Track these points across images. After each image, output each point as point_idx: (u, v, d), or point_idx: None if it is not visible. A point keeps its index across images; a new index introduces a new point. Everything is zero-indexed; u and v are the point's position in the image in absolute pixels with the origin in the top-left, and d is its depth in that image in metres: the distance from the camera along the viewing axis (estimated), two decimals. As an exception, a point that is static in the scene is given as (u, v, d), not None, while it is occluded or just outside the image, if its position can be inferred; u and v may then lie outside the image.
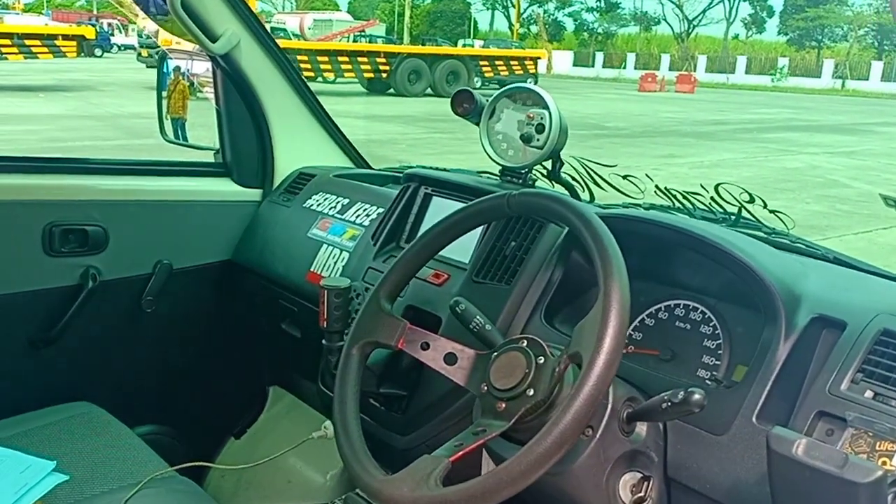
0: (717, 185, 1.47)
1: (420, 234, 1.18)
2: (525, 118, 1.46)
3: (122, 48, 37.36)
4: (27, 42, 16.65)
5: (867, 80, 36.92)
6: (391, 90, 20.90)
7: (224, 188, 2.04)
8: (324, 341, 1.29)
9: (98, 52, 28.40)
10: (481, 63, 21.94)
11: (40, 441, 1.54)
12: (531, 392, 0.99)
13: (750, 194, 1.43)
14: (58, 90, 17.74)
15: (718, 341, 1.18)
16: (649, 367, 1.19)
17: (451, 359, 1.08)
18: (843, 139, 15.19)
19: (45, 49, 17.01)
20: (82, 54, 18.04)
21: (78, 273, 1.78)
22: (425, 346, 1.09)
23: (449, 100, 1.54)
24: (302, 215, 1.87)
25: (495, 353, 1.05)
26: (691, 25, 54.65)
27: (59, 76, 20.19)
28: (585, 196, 1.64)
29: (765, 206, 1.42)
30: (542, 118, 1.45)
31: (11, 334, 1.74)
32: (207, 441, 2.14)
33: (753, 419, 1.01)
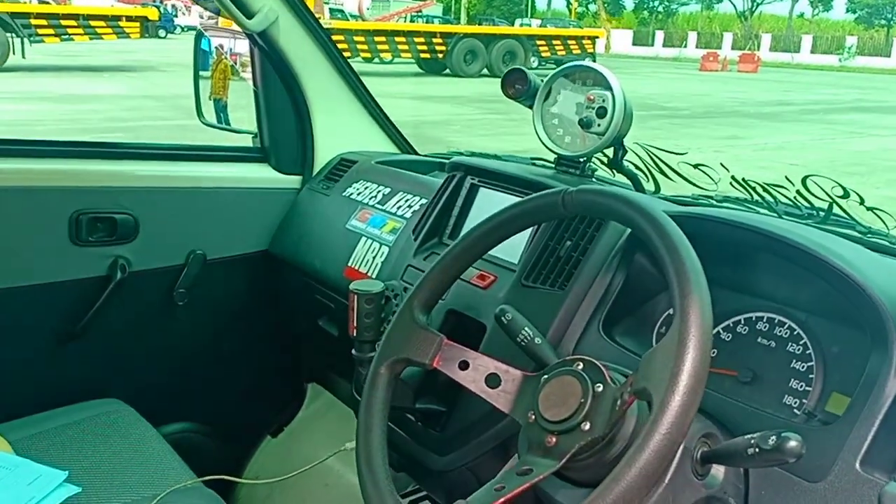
0: (805, 177, 1.28)
1: (462, 233, 1.03)
2: (584, 100, 1.29)
3: (185, 29, 37.85)
4: (92, 23, 16.90)
5: (944, 58, 35.19)
6: (447, 71, 20.68)
7: (261, 174, 1.93)
8: (354, 351, 1.16)
9: (161, 33, 28.79)
10: (538, 43, 21.52)
11: (59, 443, 1.45)
12: (587, 426, 0.84)
13: (843, 188, 1.24)
14: (122, 70, 18.06)
15: (810, 363, 1.01)
16: (725, 391, 1.03)
17: (493, 381, 0.94)
18: (920, 121, 14.46)
19: (110, 30, 17.25)
20: (146, 35, 18.25)
21: (106, 264, 1.69)
22: (464, 366, 0.95)
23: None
24: (341, 205, 1.74)
25: (545, 377, 0.90)
26: (755, 3, 52.81)
27: (123, 57, 20.55)
28: (650, 186, 1.47)
29: (861, 203, 1.23)
30: (603, 100, 1.28)
31: (36, 327, 1.66)
32: (243, 439, 2.04)
33: (857, 465, 0.84)
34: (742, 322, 1.09)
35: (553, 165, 1.39)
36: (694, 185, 1.46)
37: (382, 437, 0.93)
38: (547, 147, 1.35)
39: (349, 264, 1.59)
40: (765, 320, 1.07)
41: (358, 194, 1.73)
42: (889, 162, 9.72)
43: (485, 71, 20.22)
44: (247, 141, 2.03)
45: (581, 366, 0.89)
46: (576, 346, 1.13)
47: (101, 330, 1.71)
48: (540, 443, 0.87)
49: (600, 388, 0.85)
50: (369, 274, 1.53)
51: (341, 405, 1.95)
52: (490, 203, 1.38)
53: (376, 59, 19.81)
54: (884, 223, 1.21)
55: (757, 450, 0.78)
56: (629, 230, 1.17)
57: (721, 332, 1.10)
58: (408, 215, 1.56)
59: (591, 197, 0.92)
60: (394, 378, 0.98)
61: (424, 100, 14.49)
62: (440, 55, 20.15)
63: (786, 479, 0.88)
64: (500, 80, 1.41)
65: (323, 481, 1.91)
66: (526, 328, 1.02)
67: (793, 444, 0.76)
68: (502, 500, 0.80)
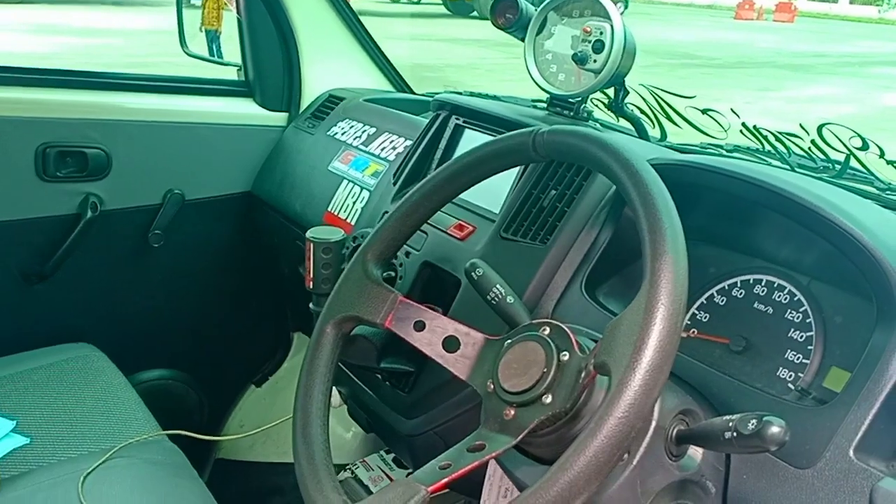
0: (821, 125, 1.15)
1: (420, 182, 0.92)
2: (580, 33, 1.16)
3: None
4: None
5: None
6: (475, 13, 20.19)
7: (245, 110, 1.82)
8: (311, 305, 1.06)
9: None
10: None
11: (20, 389, 1.39)
12: (548, 399, 0.74)
13: (862, 139, 1.11)
14: (146, 4, 17.83)
15: (809, 333, 0.90)
16: (714, 361, 0.93)
17: (451, 344, 0.84)
18: (961, 75, 13.91)
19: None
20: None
21: (76, 201, 1.60)
22: (420, 326, 0.85)
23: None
24: (325, 145, 1.64)
25: (508, 342, 0.81)
26: (797, -51, 50.86)
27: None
28: (655, 133, 1.35)
29: (881, 155, 1.10)
30: (601, 33, 1.15)
31: (1, 267, 1.58)
32: (226, 389, 1.98)
33: (851, 452, 0.74)
34: (738, 285, 0.98)
35: (546, 106, 1.27)
36: (702, 132, 1.34)
37: (323, 406, 0.84)
38: (539, 85, 1.23)
39: (329, 209, 1.49)
40: (763, 283, 0.96)
41: (342, 134, 1.62)
42: (924, 117, 9.35)
43: (512, 14, 19.67)
44: (232, 74, 1.92)
45: (547, 330, 0.79)
46: (555, 306, 1.03)
47: (72, 271, 1.63)
48: (497, 415, 0.77)
49: (566, 357, 0.76)
50: (348, 220, 1.43)
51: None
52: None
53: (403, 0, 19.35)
54: (907, 179, 1.09)
55: (735, 434, 0.68)
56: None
57: (715, 294, 1.00)
58: (391, 158, 1.45)
59: (563, 138, 0.80)
60: (341, 338, 0.88)
61: (450, 42, 14.16)
62: (467, -3, 19.65)
63: (770, 464, 0.78)
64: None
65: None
66: (497, 286, 0.92)
67: (775, 430, 0.65)
68: (446, 480, 0.71)
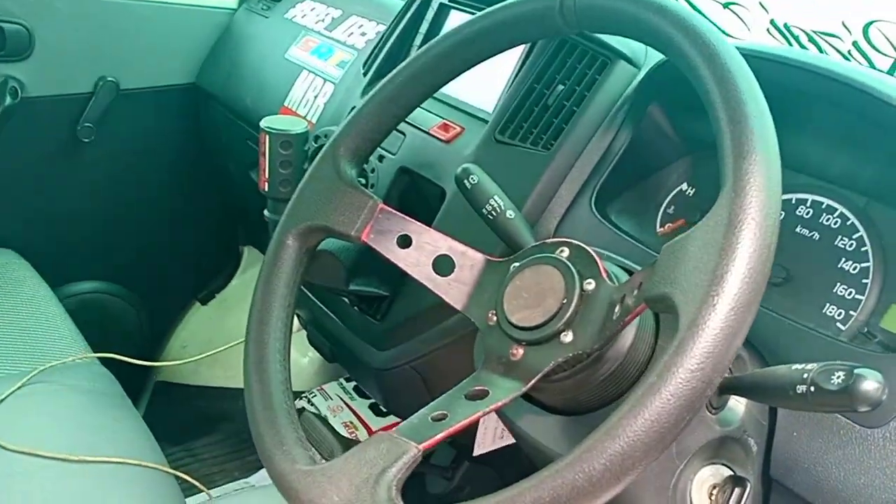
0: (869, 23, 0.99)
1: (409, 58, 0.73)
2: None
3: None
4: None
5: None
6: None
7: (191, -12, 1.57)
8: (266, 212, 0.88)
9: None
10: None
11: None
12: (568, 337, 0.59)
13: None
14: None
15: (865, 264, 0.76)
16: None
17: (444, 265, 0.68)
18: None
19: None
20: None
21: None
22: (405, 242, 0.68)
23: None
24: (281, 29, 1.42)
25: (516, 265, 0.65)
26: None
27: None
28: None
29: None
30: None
31: None
32: (166, 305, 1.79)
33: (933, 411, 0.61)
34: (778, 205, 0.83)
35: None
36: (718, 29, 1.16)
37: (283, 337, 0.67)
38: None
39: (285, 104, 1.29)
40: (808, 204, 0.81)
41: (302, 17, 1.40)
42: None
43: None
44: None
45: (566, 252, 0.63)
46: (558, 224, 0.87)
47: (-12, 166, 1.41)
48: (501, 355, 0.62)
49: (591, 287, 0.60)
50: (308, 117, 1.23)
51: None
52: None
53: None
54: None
55: (812, 388, 0.53)
56: (641, 75, 0.89)
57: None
58: (360, 45, 1.25)
59: (604, 1, 0.62)
60: (305, 253, 0.71)
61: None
62: None
63: (829, 420, 0.65)
64: None
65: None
66: (496, 197, 0.75)
67: (869, 386, 0.50)
68: (442, 435, 0.55)
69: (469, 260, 0.67)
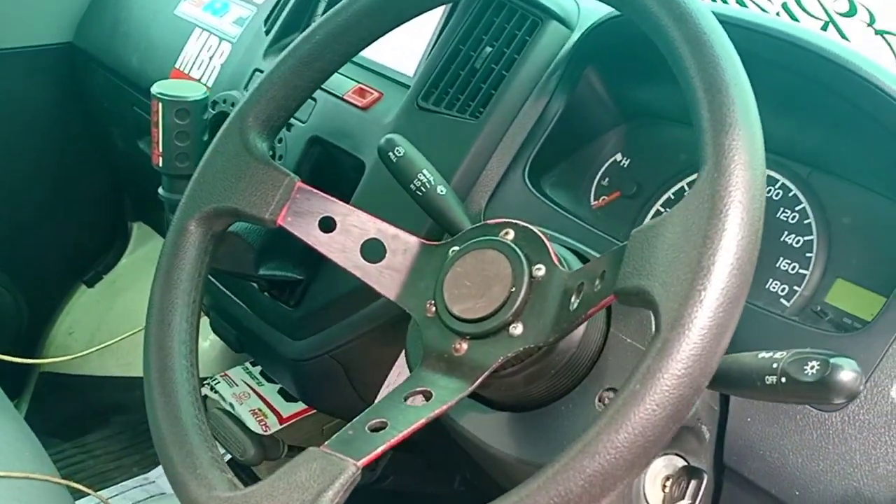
0: (800, -15, 0.96)
1: (327, 14, 0.64)
2: None
3: None
4: None
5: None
6: None
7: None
8: (161, 191, 0.77)
9: None
10: None
11: None
12: (517, 329, 0.53)
13: (850, 1, 0.93)
14: None
15: (808, 237, 0.73)
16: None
17: (373, 250, 0.60)
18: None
19: None
20: None
21: None
22: (328, 225, 0.60)
23: None
24: (169, -17, 1.28)
25: (455, 249, 0.58)
26: None
27: None
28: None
29: (870, 22, 0.93)
30: None
31: None
32: (48, 289, 1.63)
33: (894, 392, 0.58)
34: (718, 176, 0.79)
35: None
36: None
37: (189, 339, 0.58)
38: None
39: (177, 66, 1.16)
40: (752, 175, 0.77)
41: (193, -30, 1.26)
42: None
43: None
44: None
45: (512, 234, 0.57)
46: (489, 199, 0.80)
47: None
48: (443, 350, 0.55)
49: (541, 273, 0.54)
50: (203, 81, 1.11)
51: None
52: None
53: None
54: (894, 53, 0.92)
55: (784, 380, 0.48)
56: (575, 37, 0.83)
57: (686, 187, 0.80)
58: (259, 1, 1.13)
59: None
60: (211, 240, 0.61)
61: None
62: None
63: (785, 404, 0.62)
64: None
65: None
66: (425, 171, 0.68)
67: (846, 377, 0.46)
68: (382, 448, 0.48)
69: (402, 244, 0.60)
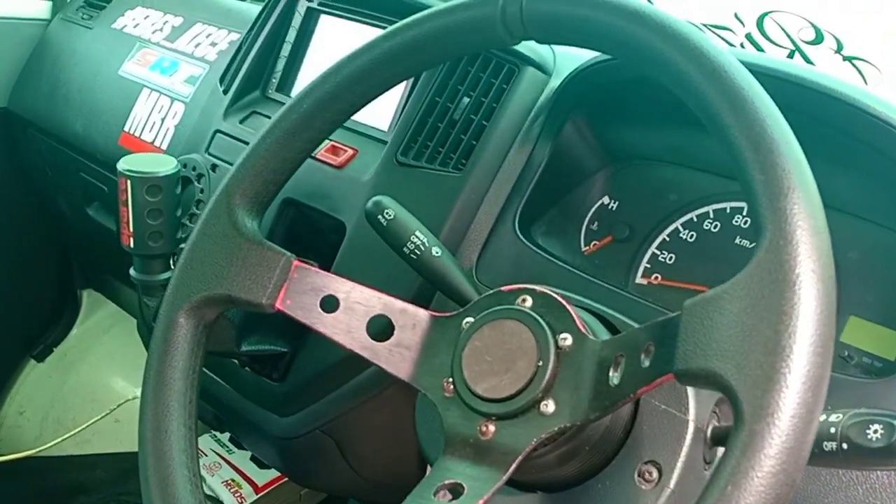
0: (763, 14, 0.96)
1: (314, 80, 0.60)
2: None
3: None
4: None
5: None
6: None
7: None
8: (133, 272, 0.72)
9: None
10: None
11: None
12: (549, 406, 0.50)
13: (816, 29, 0.93)
14: None
15: None
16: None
17: (380, 327, 0.56)
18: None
19: None
20: None
21: None
22: (331, 305, 0.56)
23: None
24: (111, 42, 1.22)
25: (469, 321, 0.54)
26: None
27: None
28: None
29: (838, 49, 0.93)
30: None
31: None
32: (-6, 365, 1.53)
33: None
34: (711, 216, 0.77)
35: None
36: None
37: (188, 445, 0.53)
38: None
39: (126, 129, 1.11)
40: (745, 212, 0.76)
41: (135, 26, 1.21)
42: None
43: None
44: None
45: (530, 301, 0.54)
46: (481, 252, 0.77)
47: None
48: (468, 435, 0.51)
49: (568, 343, 0.51)
50: (157, 144, 1.06)
51: (129, 317, 1.49)
52: (339, 38, 0.95)
53: None
54: (863, 79, 0.92)
55: (845, 446, 0.46)
56: (554, 83, 0.81)
57: (680, 229, 0.78)
58: (211, 57, 1.08)
59: (561, 6, 0.52)
60: (203, 331, 0.57)
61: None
62: None
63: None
64: None
65: (112, 415, 1.46)
66: (418, 233, 0.65)
67: None
68: None
69: (410, 319, 0.56)
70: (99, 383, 1.46)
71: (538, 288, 0.54)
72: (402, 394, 0.62)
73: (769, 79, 0.64)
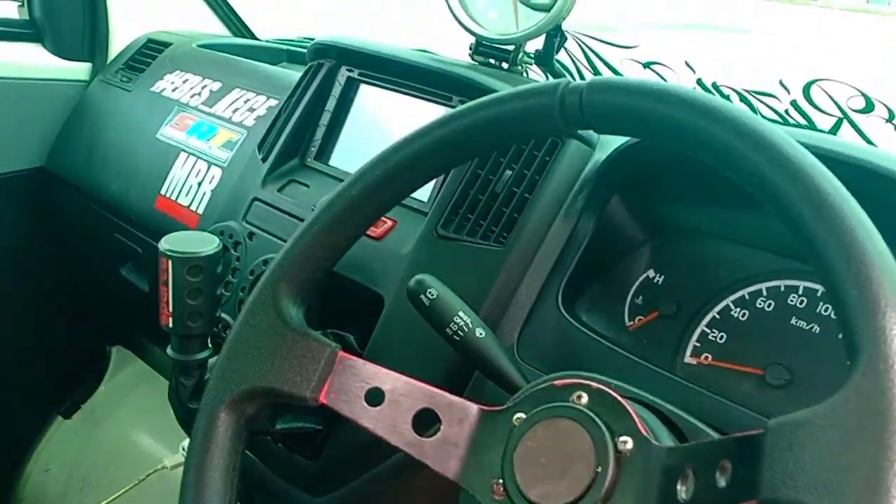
0: (810, 82, 0.94)
1: (365, 165, 0.59)
2: (526, -45, 0.87)
3: None
4: None
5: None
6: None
7: (32, 59, 1.35)
8: (170, 351, 0.70)
9: None
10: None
11: None
12: None
13: (867, 98, 0.91)
14: None
15: None
16: (745, 398, 0.68)
17: (425, 421, 0.54)
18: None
19: None
20: None
21: None
22: (375, 397, 0.54)
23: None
24: (149, 104, 1.23)
25: (520, 417, 0.52)
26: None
27: None
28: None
29: (889, 119, 0.91)
30: (552, -44, 0.86)
31: None
32: (22, 423, 1.52)
33: None
34: (764, 294, 0.74)
35: (472, 55, 0.96)
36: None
37: None
38: (464, 26, 0.92)
39: (162, 192, 1.10)
40: (801, 291, 0.73)
41: (174, 90, 1.21)
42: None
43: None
44: (11, 11, 1.44)
45: (585, 398, 0.51)
46: (522, 329, 0.75)
47: None
48: None
49: (629, 447, 0.48)
50: (193, 208, 1.05)
51: (156, 375, 1.48)
52: (379, 108, 0.94)
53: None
54: (915, 148, 0.90)
55: None
56: (599, 157, 0.79)
57: (731, 306, 0.76)
58: (249, 123, 1.08)
59: (623, 98, 0.50)
60: (244, 425, 0.55)
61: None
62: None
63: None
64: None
65: (135, 470, 1.44)
66: (461, 313, 0.63)
67: None
68: None
69: (458, 413, 0.53)
70: (125, 441, 1.45)
71: (594, 384, 0.51)
72: (440, 477, 0.59)
73: (845, 166, 0.62)
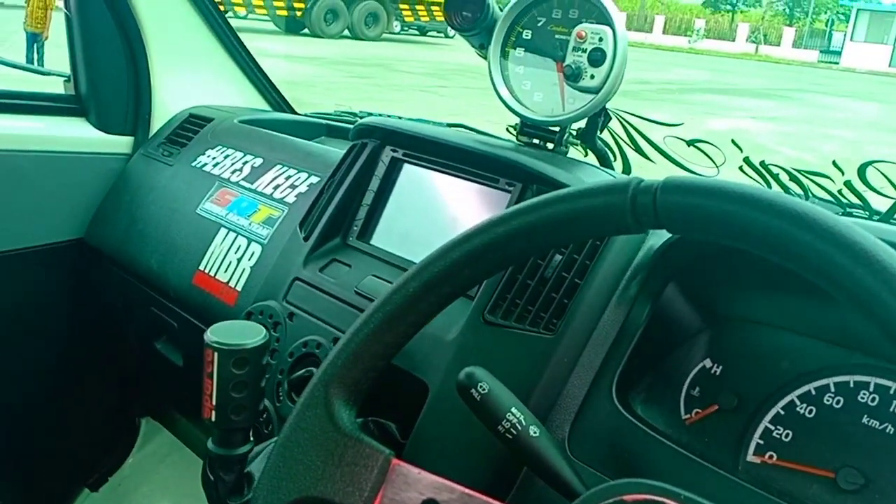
0: (865, 163, 0.92)
1: (422, 261, 0.57)
2: (574, 38, 0.86)
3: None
4: None
5: (779, 45, 37.40)
6: (306, 30, 19.66)
7: (76, 133, 1.38)
8: (211, 444, 0.68)
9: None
10: (401, 6, 20.85)
11: None
12: None
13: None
14: None
15: None
16: (812, 502, 0.65)
17: (484, 534, 0.50)
18: (764, 104, 15.02)
19: None
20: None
21: None
22: (431, 509, 0.51)
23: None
24: (190, 179, 1.23)
25: None
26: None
27: None
28: (618, 166, 1.08)
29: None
30: (599, 39, 0.85)
31: None
32: (49, 496, 1.49)
33: None
34: (832, 389, 0.71)
35: (515, 136, 0.95)
36: (682, 167, 1.08)
37: None
38: (510, 108, 0.91)
39: (201, 268, 1.10)
40: (872, 388, 0.69)
41: (214, 165, 1.22)
42: (746, 143, 9.67)
43: (346, 32, 19.36)
44: (58, 87, 1.47)
45: None
46: (573, 422, 0.71)
47: None
48: None
49: None
50: (231, 284, 1.04)
51: (185, 448, 1.45)
52: (423, 187, 0.93)
53: (229, 13, 18.45)
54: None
55: None
56: (653, 244, 0.77)
57: (797, 402, 0.72)
58: (291, 199, 1.08)
59: (699, 199, 0.48)
60: None
61: (280, 59, 13.57)
62: (298, 13, 19.07)
63: None
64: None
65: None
66: (514, 410, 0.59)
67: None
68: None
69: (519, 526, 0.50)
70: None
71: (658, 498, 0.48)
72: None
73: None
